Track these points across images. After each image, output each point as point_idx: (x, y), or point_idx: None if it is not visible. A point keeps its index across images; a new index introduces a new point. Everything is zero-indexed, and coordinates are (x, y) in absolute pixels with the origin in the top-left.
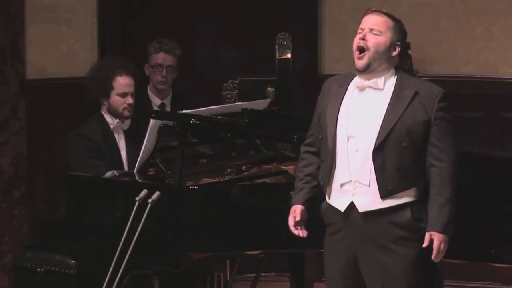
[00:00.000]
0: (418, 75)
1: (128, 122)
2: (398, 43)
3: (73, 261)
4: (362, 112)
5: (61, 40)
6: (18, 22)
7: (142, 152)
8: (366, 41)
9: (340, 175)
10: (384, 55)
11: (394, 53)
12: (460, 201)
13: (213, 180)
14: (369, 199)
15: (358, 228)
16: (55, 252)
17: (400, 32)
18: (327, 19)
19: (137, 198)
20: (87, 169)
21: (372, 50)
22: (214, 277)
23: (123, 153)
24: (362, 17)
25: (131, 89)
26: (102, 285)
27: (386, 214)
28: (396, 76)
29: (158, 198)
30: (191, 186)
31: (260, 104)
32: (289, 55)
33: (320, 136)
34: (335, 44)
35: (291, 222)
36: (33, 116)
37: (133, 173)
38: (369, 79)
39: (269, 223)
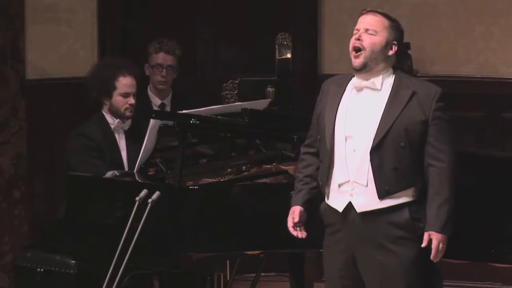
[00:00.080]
0: (418, 75)
1: (128, 123)
2: (395, 42)
3: (73, 261)
4: (359, 113)
5: (61, 40)
6: (18, 22)
7: (142, 152)
8: (362, 41)
9: (338, 175)
10: (381, 54)
11: (391, 52)
12: (460, 201)
13: (213, 180)
14: (367, 199)
15: (357, 228)
16: (55, 252)
17: (396, 31)
18: (327, 19)
19: (137, 198)
20: (87, 169)
21: (368, 49)
22: (214, 277)
23: (124, 153)
24: (358, 17)
25: (133, 90)
26: (102, 285)
27: (384, 214)
28: (394, 76)
29: (158, 198)
30: (191, 186)
31: (260, 104)
32: (289, 55)
33: (318, 137)
34: (335, 44)
35: (290, 223)
36: (33, 116)
37: (133, 173)
38: (367, 79)
39: (269, 223)
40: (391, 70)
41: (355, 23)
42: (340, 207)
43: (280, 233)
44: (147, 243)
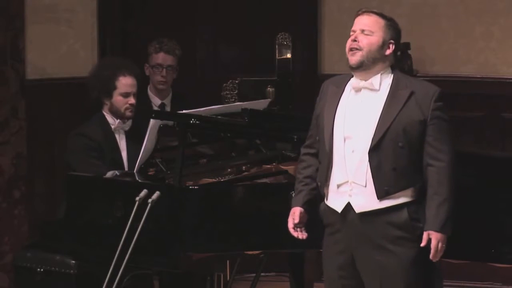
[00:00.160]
0: (418, 75)
1: (129, 123)
2: (392, 41)
3: (73, 261)
4: (358, 113)
5: (61, 40)
6: (18, 22)
7: (142, 152)
8: (358, 42)
9: (336, 176)
10: (378, 54)
11: (388, 51)
12: (460, 201)
13: (213, 180)
14: (365, 199)
15: (356, 229)
16: (55, 252)
17: (392, 29)
18: (327, 19)
19: (137, 198)
20: (87, 169)
21: (365, 49)
22: (214, 277)
23: (124, 154)
24: (354, 19)
25: (133, 90)
26: (102, 285)
27: (383, 215)
28: (392, 76)
29: (158, 198)
30: (191, 186)
31: (260, 104)
32: (289, 55)
33: (317, 138)
34: (335, 44)
35: (290, 225)
36: (33, 116)
37: (133, 173)
38: (365, 79)
39: (269, 223)
40: (389, 69)
41: None
42: (339, 208)
43: (280, 233)
44: (147, 243)
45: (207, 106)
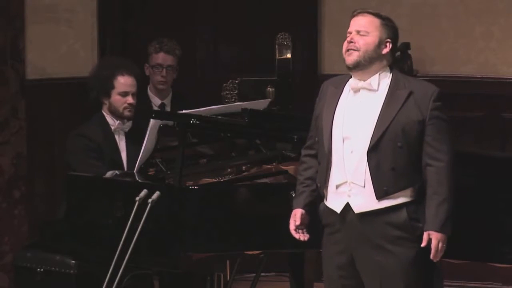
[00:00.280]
0: (418, 75)
1: (129, 124)
2: (388, 39)
3: (73, 261)
4: (357, 114)
5: (61, 40)
6: (18, 22)
7: (142, 152)
8: (355, 43)
9: (335, 176)
10: (374, 53)
11: (385, 51)
12: (460, 201)
13: (213, 180)
14: (364, 200)
15: (355, 229)
16: (55, 252)
17: (388, 28)
18: (327, 19)
19: (137, 198)
20: (87, 169)
21: (362, 50)
22: (214, 277)
23: (123, 155)
24: (349, 20)
25: (132, 89)
26: (102, 285)
27: (382, 215)
28: (391, 76)
29: (158, 198)
30: (191, 186)
31: (260, 104)
32: (289, 55)
33: (317, 139)
34: (335, 44)
35: (291, 226)
36: (33, 116)
37: (133, 173)
38: (363, 79)
39: (269, 223)
40: (388, 69)
41: None
42: (338, 208)
43: (280, 233)
44: (147, 243)
45: (207, 106)
